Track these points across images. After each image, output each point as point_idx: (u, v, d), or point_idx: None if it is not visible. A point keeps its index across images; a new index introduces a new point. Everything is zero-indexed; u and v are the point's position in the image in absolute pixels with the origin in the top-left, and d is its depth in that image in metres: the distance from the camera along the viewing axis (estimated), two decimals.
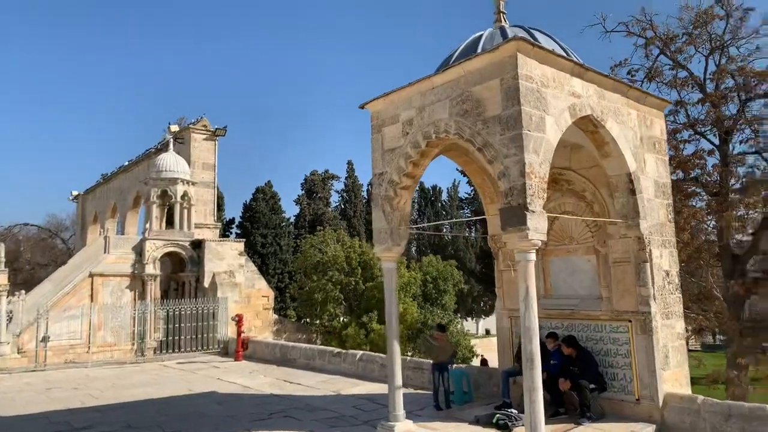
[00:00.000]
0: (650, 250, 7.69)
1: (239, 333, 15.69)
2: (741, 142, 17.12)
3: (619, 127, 7.50)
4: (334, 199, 51.09)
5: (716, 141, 17.08)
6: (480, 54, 6.60)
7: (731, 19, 16.81)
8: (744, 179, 14.66)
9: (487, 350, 30.86)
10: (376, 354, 12.47)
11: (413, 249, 48.50)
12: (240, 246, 19.98)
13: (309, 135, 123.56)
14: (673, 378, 7.74)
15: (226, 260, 19.11)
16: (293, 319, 27.30)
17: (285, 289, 36.28)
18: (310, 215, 46.14)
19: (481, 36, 7.55)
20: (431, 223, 11.54)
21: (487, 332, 49.12)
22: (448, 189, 55.22)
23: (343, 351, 13.20)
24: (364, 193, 50.58)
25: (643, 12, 17.83)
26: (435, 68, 7.47)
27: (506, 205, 6.19)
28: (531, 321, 6.00)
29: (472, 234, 46.47)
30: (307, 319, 26.38)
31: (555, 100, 6.58)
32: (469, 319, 48.28)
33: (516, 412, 7.69)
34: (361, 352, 12.88)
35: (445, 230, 49.86)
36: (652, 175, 8.07)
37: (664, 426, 7.22)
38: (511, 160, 6.17)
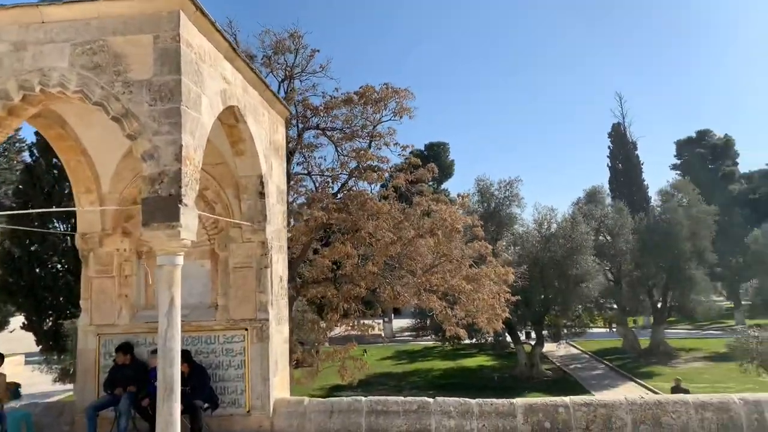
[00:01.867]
0: (271, 255, 7.62)
1: None
2: (298, 164, 19.56)
3: (257, 125, 7.19)
4: None
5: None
6: None
7: (299, 55, 19.03)
8: (308, 195, 16.76)
9: None
10: None
11: None
12: None
13: None
14: (281, 383, 7.82)
15: None
16: None
17: None
18: None
19: None
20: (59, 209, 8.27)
21: None
22: None
23: None
24: None
25: (230, 25, 18.32)
26: None
27: (153, 194, 4.93)
28: (174, 340, 4.93)
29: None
30: None
31: (211, 80, 5.72)
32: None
33: None
34: None
35: None
36: (276, 180, 8.08)
37: None
38: (164, 139, 4.97)
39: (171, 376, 4.87)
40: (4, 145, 46.76)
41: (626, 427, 6.63)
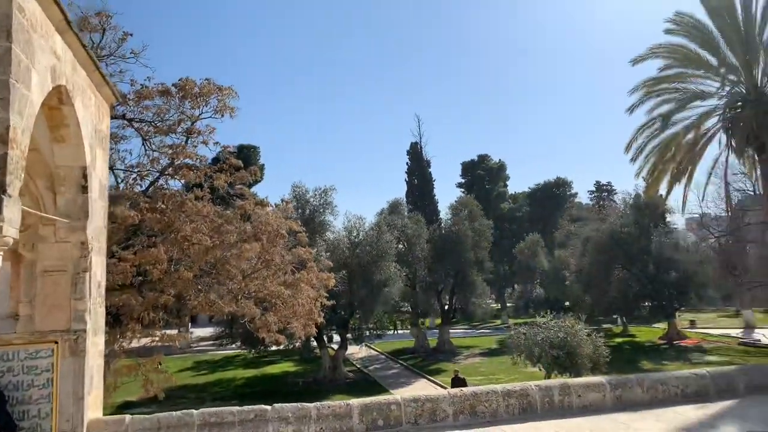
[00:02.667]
0: (92, 257, 6.75)
1: None
2: None
3: (84, 110, 6.34)
4: None
5: None
6: None
7: (107, 36, 17.13)
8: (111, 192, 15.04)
9: None
10: None
11: None
12: None
13: None
14: (95, 402, 6.94)
15: None
16: None
17: None
18: None
19: None
20: None
21: None
22: None
23: None
24: None
25: None
26: None
27: None
28: None
29: None
30: None
31: (41, 54, 4.94)
32: None
33: None
34: None
35: None
36: (99, 173, 7.18)
37: None
38: None
39: None
40: None
41: (448, 418, 7.37)
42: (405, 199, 57.97)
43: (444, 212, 44.82)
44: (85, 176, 6.51)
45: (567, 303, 41.35)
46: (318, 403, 7.24)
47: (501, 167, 65.84)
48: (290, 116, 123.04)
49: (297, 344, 25.17)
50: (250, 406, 7.07)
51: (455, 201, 40.54)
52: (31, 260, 6.53)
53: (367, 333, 31.19)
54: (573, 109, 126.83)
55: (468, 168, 66.22)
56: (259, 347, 27.19)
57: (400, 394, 9.01)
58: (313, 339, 29.26)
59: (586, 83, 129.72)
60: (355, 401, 7.34)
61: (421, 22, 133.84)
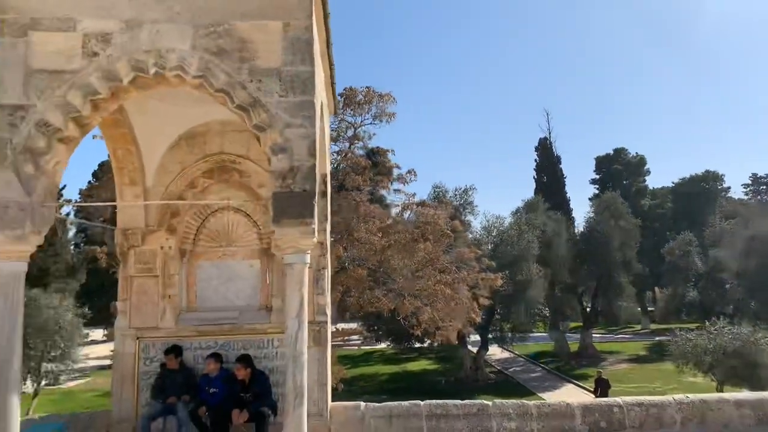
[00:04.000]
0: (328, 256, 7.42)
1: None
2: None
3: (322, 121, 6.99)
4: None
5: None
6: None
7: None
8: None
9: None
10: None
11: None
12: None
13: None
14: (331, 388, 7.61)
15: None
16: None
17: None
18: None
19: None
20: (101, 202, 7.20)
21: None
22: None
23: None
24: None
25: None
26: None
27: (284, 189, 4.70)
28: (304, 344, 4.71)
29: None
30: None
31: (318, 71, 5.52)
32: None
33: None
34: None
35: None
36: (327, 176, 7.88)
37: None
38: (297, 132, 4.75)
39: (301, 383, 4.63)
40: None
41: (676, 425, 7.09)
42: (533, 197, 56.65)
43: (579, 210, 42.86)
44: (325, 182, 7.16)
45: (726, 308, 37.68)
46: (537, 401, 7.32)
47: (640, 161, 61.54)
48: (408, 113, 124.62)
49: (451, 342, 25.44)
50: (471, 401, 7.32)
51: (592, 198, 38.68)
52: (280, 258, 7.29)
53: (509, 334, 30.73)
54: (721, 96, 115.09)
55: (603, 163, 62.71)
56: (406, 344, 27.88)
57: (551, 398, 8.79)
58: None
59: (738, 64, 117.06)
60: (576, 401, 7.32)
61: (546, 6, 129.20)
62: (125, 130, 6.59)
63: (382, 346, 36.75)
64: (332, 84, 7.33)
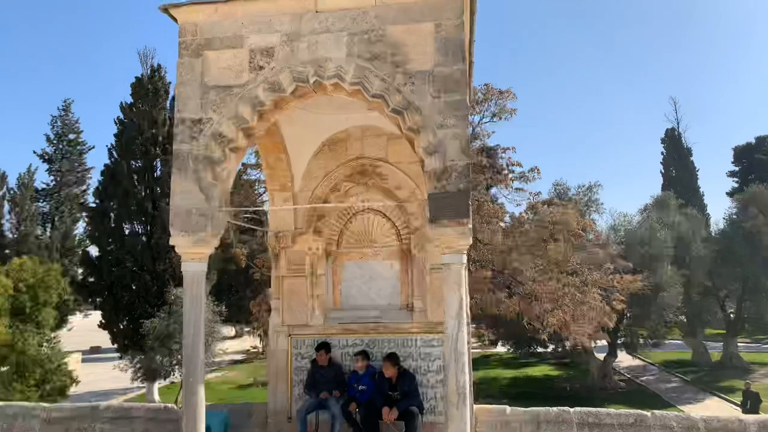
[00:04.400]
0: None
1: None
2: None
3: None
4: None
5: None
6: None
7: None
8: None
9: None
10: (31, 404, 8.06)
11: None
12: None
13: None
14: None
15: None
16: None
17: None
18: None
19: None
20: (252, 207, 7.95)
21: None
22: (20, 176, 43.88)
23: None
24: None
25: None
26: None
27: (440, 190, 4.71)
28: (464, 344, 4.68)
29: None
30: None
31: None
32: None
33: None
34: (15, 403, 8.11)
35: None
36: None
37: None
38: (449, 132, 4.74)
39: (463, 382, 4.61)
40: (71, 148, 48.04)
41: None
42: (664, 193, 52.38)
43: (714, 206, 38.87)
44: None
45: None
46: (704, 414, 6.70)
47: None
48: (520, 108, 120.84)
49: (585, 348, 24.27)
50: (627, 410, 6.89)
51: (732, 191, 34.89)
52: (420, 259, 7.36)
53: (641, 341, 28.64)
54: None
55: (743, 153, 56.63)
56: (528, 348, 27.01)
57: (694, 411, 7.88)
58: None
59: None
60: (750, 417, 6.62)
61: None
62: (277, 140, 7.00)
63: (500, 349, 35.93)
64: (470, 82, 7.27)
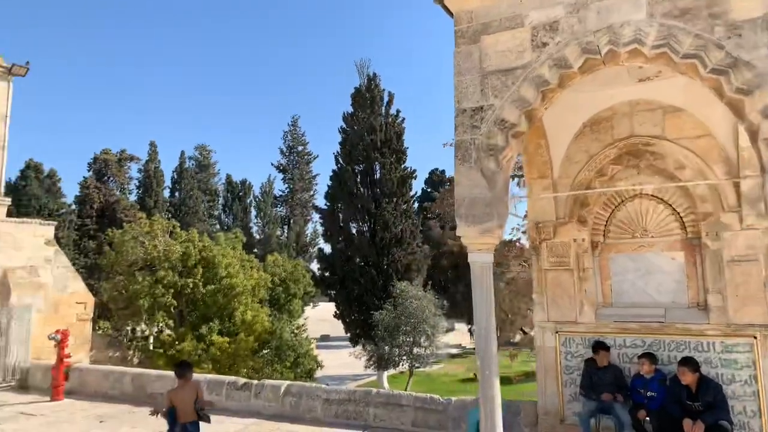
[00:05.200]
0: None
1: (61, 358, 10.39)
2: None
3: None
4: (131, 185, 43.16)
5: None
6: None
7: None
8: None
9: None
10: (312, 385, 8.94)
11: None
12: (49, 231, 13.88)
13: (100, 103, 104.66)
14: None
15: (26, 251, 13.03)
16: (104, 331, 21.01)
17: None
18: (99, 202, 37.78)
19: None
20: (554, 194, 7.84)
21: None
22: (262, 185, 51.07)
23: (253, 381, 9.31)
24: (168, 181, 43.70)
25: None
26: None
27: None
28: None
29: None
30: (129, 330, 20.45)
31: None
32: None
33: None
34: (286, 382, 9.18)
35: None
36: None
37: None
38: None
39: None
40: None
41: None
42: None
43: None
44: None
45: None
46: None
47: None
48: None
49: None
50: None
51: None
52: (714, 250, 6.29)
53: None
54: None
55: None
56: None
57: None
58: None
59: None
60: None
61: None
62: (538, 124, 6.60)
63: None
64: None
